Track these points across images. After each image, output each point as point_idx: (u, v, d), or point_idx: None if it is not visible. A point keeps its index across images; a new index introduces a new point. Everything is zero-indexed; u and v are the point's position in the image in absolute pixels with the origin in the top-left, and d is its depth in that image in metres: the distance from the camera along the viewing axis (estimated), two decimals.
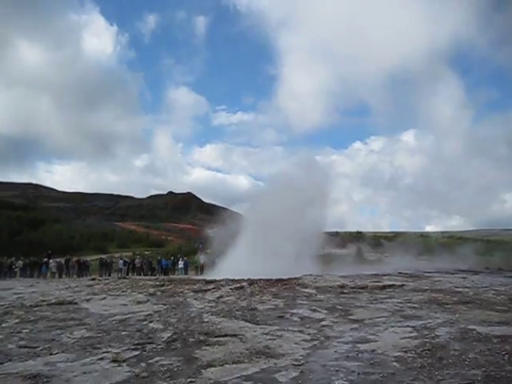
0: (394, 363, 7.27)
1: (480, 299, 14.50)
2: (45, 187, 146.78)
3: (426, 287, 17.92)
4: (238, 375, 6.74)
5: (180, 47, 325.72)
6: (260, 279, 20.38)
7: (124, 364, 7.66)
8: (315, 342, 9.01)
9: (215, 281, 20.62)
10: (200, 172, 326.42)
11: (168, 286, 19.78)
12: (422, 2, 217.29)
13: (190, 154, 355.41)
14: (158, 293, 17.63)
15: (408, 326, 10.32)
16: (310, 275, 21.66)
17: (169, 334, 9.96)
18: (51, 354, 8.40)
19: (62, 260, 36.63)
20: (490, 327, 9.78)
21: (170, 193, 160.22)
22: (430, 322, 10.65)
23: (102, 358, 7.99)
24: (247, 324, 10.94)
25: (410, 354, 7.77)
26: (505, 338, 8.70)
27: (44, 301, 15.82)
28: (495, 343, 8.36)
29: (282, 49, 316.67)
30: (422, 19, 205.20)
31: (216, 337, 9.55)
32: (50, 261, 35.62)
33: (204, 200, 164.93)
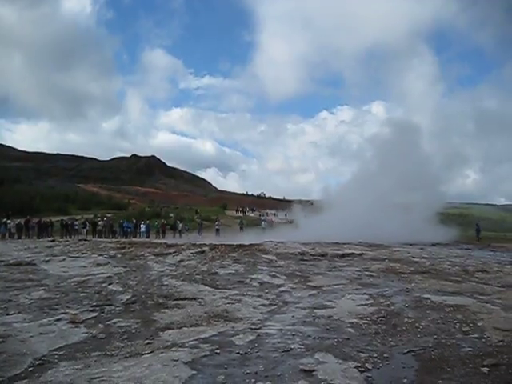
0: (350, 329, 7.42)
1: (435, 269, 14.84)
2: (4, 146, 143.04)
3: (385, 257, 18.25)
4: (196, 338, 6.80)
5: (159, 10, 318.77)
6: (221, 244, 20.50)
7: (81, 325, 7.66)
8: (273, 307, 9.15)
9: (176, 245, 20.63)
10: (165, 136, 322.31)
11: (129, 248, 19.68)
12: None
13: (158, 117, 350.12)
14: (119, 255, 17.56)
15: (365, 293, 10.52)
16: (272, 241, 21.83)
17: (128, 297, 9.98)
18: (7, 315, 8.32)
19: (22, 221, 36.03)
20: (444, 297, 10.03)
21: (134, 156, 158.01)
22: (386, 291, 10.88)
23: (59, 319, 7.96)
24: (207, 288, 11.01)
25: (365, 321, 7.94)
26: (457, 307, 8.94)
27: (1, 261, 15.59)
28: (447, 312, 8.58)
29: (261, 16, 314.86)
30: None
31: (175, 300, 9.61)
32: (9, 221, 34.91)
33: (168, 164, 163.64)
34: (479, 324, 7.69)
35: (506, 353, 6.15)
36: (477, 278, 13.35)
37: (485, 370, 5.49)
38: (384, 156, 40.96)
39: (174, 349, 6.25)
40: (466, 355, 6.08)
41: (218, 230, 40.49)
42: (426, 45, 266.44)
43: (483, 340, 6.80)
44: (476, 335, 7.06)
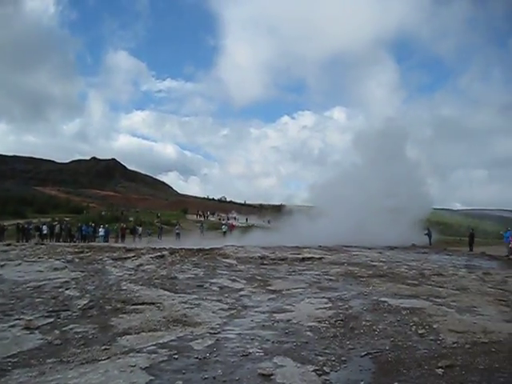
0: (308, 333, 7.47)
1: (393, 273, 15.09)
2: None
3: (344, 261, 18.45)
4: (154, 343, 6.75)
5: (123, 12, 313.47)
6: (182, 248, 20.41)
7: (37, 331, 7.51)
8: (232, 311, 9.14)
9: (136, 249, 20.44)
10: (126, 139, 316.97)
11: (87, 253, 19.35)
12: None
13: (119, 120, 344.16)
14: (77, 260, 17.24)
15: (324, 297, 10.62)
16: (232, 245, 21.84)
17: (85, 302, 9.82)
18: None
19: None
20: (401, 300, 10.20)
21: (94, 159, 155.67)
22: (344, 294, 11.00)
23: (13, 325, 7.78)
24: (166, 292, 10.93)
25: (323, 324, 8.01)
26: (413, 310, 9.11)
27: None
28: (404, 315, 8.73)
29: (226, 20, 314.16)
30: (370, 7, 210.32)
31: (133, 305, 9.50)
32: None
33: (128, 167, 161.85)
34: (435, 326, 7.85)
35: (460, 354, 6.29)
36: (433, 281, 13.62)
37: (439, 371, 5.59)
38: (363, 163, 41.98)
39: (131, 354, 6.18)
40: (421, 357, 6.19)
41: (178, 234, 40.30)
42: (388, 53, 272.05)
43: (438, 342, 6.94)
44: (431, 337, 7.20)
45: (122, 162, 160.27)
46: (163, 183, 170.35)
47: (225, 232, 42.94)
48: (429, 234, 35.30)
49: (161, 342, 6.82)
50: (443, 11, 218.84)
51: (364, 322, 8.12)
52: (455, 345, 6.78)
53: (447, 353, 6.37)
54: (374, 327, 7.79)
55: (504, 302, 10.29)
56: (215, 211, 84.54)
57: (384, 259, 19.92)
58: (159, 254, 18.61)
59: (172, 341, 6.88)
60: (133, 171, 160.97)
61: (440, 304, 9.83)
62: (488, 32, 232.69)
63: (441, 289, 12.06)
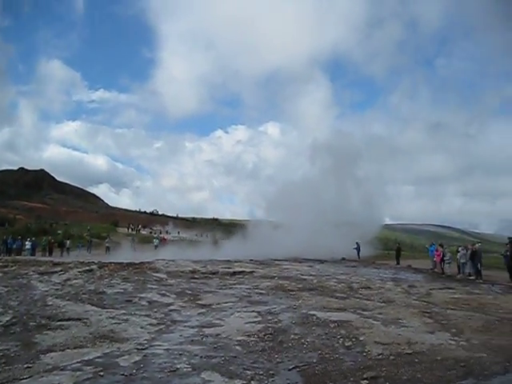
0: (237, 347, 7.46)
1: (322, 287, 15.30)
2: None
3: (275, 274, 18.57)
4: (79, 360, 6.57)
5: (58, 21, 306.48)
6: (111, 262, 20.02)
7: None
8: (161, 326, 9.03)
9: (63, 263, 19.89)
10: (56, 149, 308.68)
11: (12, 267, 18.71)
12: (310, 13, 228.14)
13: (49, 130, 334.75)
14: (0, 274, 16.63)
15: (253, 311, 10.64)
16: (163, 259, 21.60)
17: (8, 318, 9.47)
18: None
19: None
20: (329, 313, 10.36)
21: (22, 169, 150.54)
22: (274, 308, 11.07)
23: None
24: (93, 308, 10.68)
25: (252, 338, 8.02)
26: (341, 322, 9.27)
27: None
28: (332, 328, 8.87)
29: (164, 33, 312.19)
30: (306, 27, 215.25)
31: (59, 321, 9.24)
32: None
33: (58, 179, 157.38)
34: (361, 338, 8.01)
35: (385, 365, 6.44)
36: (360, 294, 13.91)
37: (364, 382, 5.71)
38: (313, 179, 42.90)
39: (54, 372, 6.00)
40: (347, 369, 6.29)
41: (108, 248, 39.39)
42: (323, 72, 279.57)
43: (364, 354, 7.09)
44: (358, 349, 7.35)
45: (51, 173, 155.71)
46: (94, 195, 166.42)
47: (156, 246, 42.32)
48: (357, 248, 35.98)
49: (86, 358, 6.65)
50: (376, 34, 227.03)
51: (293, 336, 8.19)
52: (380, 356, 6.93)
53: (372, 364, 6.51)
54: (303, 340, 7.87)
55: (428, 314, 10.63)
56: (147, 224, 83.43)
57: (314, 273, 20.16)
58: (87, 268, 18.19)
59: (98, 357, 6.73)
60: (62, 183, 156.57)
61: (367, 317, 10.05)
62: (417, 54, 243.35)
63: (368, 302, 12.33)
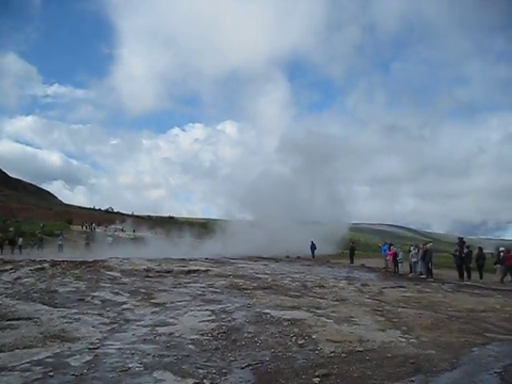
0: (190, 346, 7.44)
1: (277, 285, 15.41)
2: None
3: (230, 273, 18.60)
4: (28, 360, 6.43)
5: (15, 14, 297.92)
6: (64, 261, 19.71)
7: None
8: (114, 326, 8.91)
9: (14, 261, 19.50)
10: (8, 144, 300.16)
11: None
12: (271, 14, 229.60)
13: (1, 125, 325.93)
14: None
15: (207, 309, 10.63)
16: (117, 258, 21.37)
17: None
18: None
19: None
20: (283, 311, 10.44)
21: None
22: (228, 306, 11.08)
23: None
24: (44, 307, 10.47)
25: (206, 337, 8.01)
26: (294, 321, 9.35)
27: None
28: (285, 326, 8.94)
29: (123, 30, 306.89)
30: (267, 28, 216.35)
31: (8, 320, 9.00)
32: None
33: (10, 175, 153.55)
34: (314, 337, 8.09)
35: (337, 363, 6.52)
36: (314, 292, 14.06)
37: (316, 380, 5.77)
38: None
39: (2, 373, 5.85)
40: (300, 367, 6.34)
41: (61, 246, 38.63)
42: (282, 72, 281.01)
43: (316, 352, 7.16)
44: (310, 347, 7.42)
45: (3, 169, 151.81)
46: (47, 192, 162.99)
47: (110, 244, 41.79)
48: (312, 247, 36.29)
49: (36, 359, 6.51)
50: (335, 36, 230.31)
51: (246, 334, 8.22)
52: (332, 354, 7.02)
53: (324, 362, 6.59)
54: (256, 339, 7.90)
55: (380, 312, 10.82)
56: (102, 222, 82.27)
57: (269, 271, 20.29)
58: (39, 266, 17.85)
59: (48, 357, 6.59)
60: (15, 179, 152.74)
61: (320, 315, 10.17)
62: (374, 57, 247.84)
63: (321, 300, 12.47)
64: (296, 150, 44.76)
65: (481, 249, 21.10)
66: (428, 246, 21.96)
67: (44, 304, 10.84)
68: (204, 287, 14.53)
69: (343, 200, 46.08)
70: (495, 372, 6.37)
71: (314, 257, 35.25)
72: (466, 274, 19.87)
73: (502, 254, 19.47)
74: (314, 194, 42.34)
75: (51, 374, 5.83)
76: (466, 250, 20.22)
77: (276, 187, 42.10)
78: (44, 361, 6.42)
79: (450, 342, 8.11)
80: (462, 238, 22.33)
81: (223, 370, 6.14)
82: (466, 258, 20.03)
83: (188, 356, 6.80)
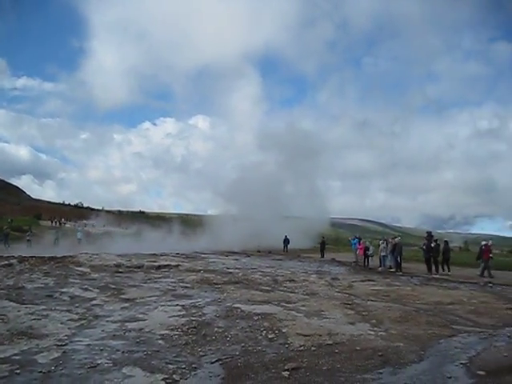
0: (160, 341, 7.41)
1: (248, 280, 15.44)
2: None
3: (200, 268, 18.57)
4: None
5: None
6: (32, 256, 19.45)
7: None
8: (83, 322, 8.81)
9: None
10: None
11: None
12: (244, 10, 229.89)
13: None
14: None
15: (178, 304, 10.60)
16: (86, 253, 21.16)
17: None
18: None
19: None
20: (253, 306, 10.47)
21: None
22: (199, 301, 11.07)
23: None
24: (11, 304, 10.29)
25: (176, 332, 7.99)
26: (265, 315, 9.39)
27: None
28: (256, 320, 8.98)
29: (93, 23, 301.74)
30: (239, 23, 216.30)
31: None
32: None
33: None
34: (284, 331, 8.14)
35: (306, 356, 6.58)
36: (285, 287, 14.14)
37: (286, 373, 5.80)
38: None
39: None
40: (269, 361, 6.38)
41: (29, 241, 38.06)
42: (254, 68, 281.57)
43: (286, 346, 7.21)
44: (280, 341, 7.46)
45: None
46: (16, 187, 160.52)
47: (80, 239, 41.31)
48: (285, 241, 36.50)
49: (2, 356, 6.39)
50: (307, 33, 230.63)
51: (216, 329, 8.22)
52: (302, 348, 7.07)
53: (294, 356, 6.64)
54: (226, 333, 7.91)
55: (349, 306, 10.94)
56: (71, 217, 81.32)
57: (240, 266, 20.33)
58: (6, 262, 17.58)
59: (15, 355, 6.49)
60: None
61: (290, 309, 10.24)
62: (345, 54, 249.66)
63: (292, 294, 12.55)
64: (271, 144, 44.93)
65: (446, 242, 21.45)
66: (397, 240, 22.27)
67: (11, 301, 10.66)
68: (175, 282, 14.48)
69: (322, 195, 46.35)
70: (461, 363, 6.52)
71: (286, 251, 35.44)
72: (433, 268, 20.18)
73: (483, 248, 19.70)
74: (288, 188, 42.46)
75: (18, 371, 5.75)
76: (433, 244, 20.53)
77: (250, 182, 42.19)
78: (11, 358, 6.31)
79: (417, 334, 8.25)
80: (431, 232, 22.73)
81: (193, 365, 6.14)
82: (434, 252, 20.34)
83: (158, 351, 6.77)
